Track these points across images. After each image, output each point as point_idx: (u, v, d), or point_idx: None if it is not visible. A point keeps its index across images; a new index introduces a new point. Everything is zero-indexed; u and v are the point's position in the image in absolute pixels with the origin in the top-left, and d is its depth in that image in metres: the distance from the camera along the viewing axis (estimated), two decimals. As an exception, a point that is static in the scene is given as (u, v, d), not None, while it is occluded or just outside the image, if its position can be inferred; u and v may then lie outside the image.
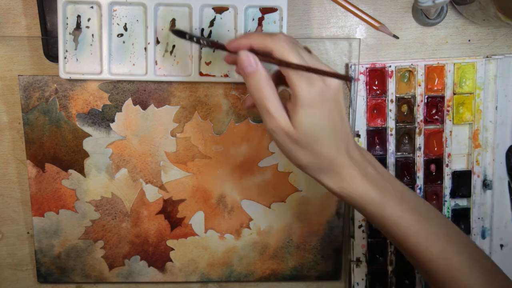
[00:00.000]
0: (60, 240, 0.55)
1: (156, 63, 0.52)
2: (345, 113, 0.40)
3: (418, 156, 0.55)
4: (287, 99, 0.39)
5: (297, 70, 0.37)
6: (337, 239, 0.56)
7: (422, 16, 0.53)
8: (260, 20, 0.51)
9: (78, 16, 0.51)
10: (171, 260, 0.56)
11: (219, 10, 0.51)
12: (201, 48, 0.51)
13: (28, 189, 0.55)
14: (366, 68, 0.54)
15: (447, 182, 0.55)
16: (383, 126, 0.55)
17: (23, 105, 0.53)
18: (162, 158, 0.54)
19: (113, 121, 0.53)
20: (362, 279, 0.56)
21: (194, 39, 0.41)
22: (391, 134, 0.55)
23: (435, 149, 0.55)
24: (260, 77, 0.38)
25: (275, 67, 0.40)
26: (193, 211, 0.55)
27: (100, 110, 0.53)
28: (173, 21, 0.51)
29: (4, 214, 0.56)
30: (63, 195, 0.54)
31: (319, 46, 0.54)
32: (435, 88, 0.54)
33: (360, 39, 0.54)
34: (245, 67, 0.39)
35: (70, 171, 0.54)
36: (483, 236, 0.57)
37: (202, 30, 0.51)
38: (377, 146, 0.55)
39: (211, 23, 0.51)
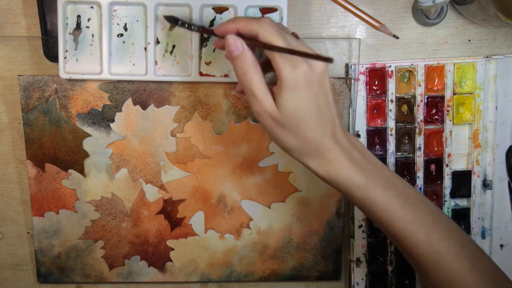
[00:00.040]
0: (60, 240, 0.55)
1: (156, 63, 0.52)
2: (332, 98, 0.41)
3: (418, 156, 0.55)
4: (275, 84, 0.40)
5: (281, 52, 0.38)
6: (337, 239, 0.56)
7: (422, 16, 0.53)
8: (260, 20, 0.51)
9: (78, 16, 0.51)
10: (171, 260, 0.56)
11: (219, 10, 0.51)
12: (201, 38, 0.51)
13: (28, 189, 0.55)
14: (366, 68, 0.54)
15: (447, 182, 0.55)
16: (383, 126, 0.55)
17: (23, 105, 0.53)
18: (162, 158, 0.54)
19: (113, 121, 0.53)
20: (362, 279, 0.56)
21: (186, 25, 0.44)
22: (391, 134, 0.55)
23: (435, 149, 0.55)
24: (246, 60, 0.39)
25: (265, 55, 0.41)
26: (193, 211, 0.55)
27: (100, 110, 0.53)
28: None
29: (4, 214, 0.56)
30: (63, 195, 0.54)
31: (319, 46, 0.54)
32: (435, 88, 0.54)
33: (360, 39, 0.54)
34: (232, 51, 0.40)
35: (70, 171, 0.54)
36: (483, 236, 0.57)
37: (200, 31, 0.51)
38: (377, 146, 0.55)
39: (211, 23, 0.51)
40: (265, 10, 0.51)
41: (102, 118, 0.53)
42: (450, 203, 0.56)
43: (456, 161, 0.56)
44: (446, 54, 0.55)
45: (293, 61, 0.38)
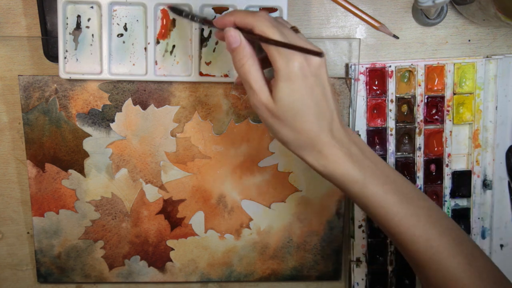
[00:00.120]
0: (60, 240, 0.55)
1: (156, 63, 0.52)
2: (330, 91, 0.41)
3: (418, 156, 0.55)
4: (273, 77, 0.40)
5: (273, 45, 0.38)
6: (337, 239, 0.56)
7: (422, 16, 0.53)
8: (260, 20, 0.51)
9: (78, 16, 0.51)
10: (171, 260, 0.56)
11: (219, 10, 0.51)
12: (201, 43, 0.51)
13: (28, 189, 0.55)
14: (366, 68, 0.54)
15: (447, 182, 0.55)
16: (383, 126, 0.55)
17: (23, 105, 0.53)
18: (162, 158, 0.54)
19: (113, 121, 0.53)
20: (362, 279, 0.56)
21: (190, 16, 0.46)
22: (391, 134, 0.55)
23: (435, 149, 0.55)
24: (244, 52, 0.40)
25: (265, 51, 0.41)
26: (193, 211, 0.55)
27: (100, 110, 0.53)
28: (173, 20, 0.51)
29: (4, 214, 0.56)
30: (63, 195, 0.54)
31: (319, 46, 0.54)
32: (435, 88, 0.54)
33: (360, 39, 0.54)
34: (230, 43, 0.40)
35: (70, 171, 0.54)
36: (483, 236, 0.57)
37: (202, 29, 0.51)
38: (377, 146, 0.55)
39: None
40: (265, 10, 0.51)
41: (102, 118, 0.53)
42: (450, 203, 0.56)
43: (456, 161, 0.56)
44: (446, 54, 0.55)
45: (289, 53, 0.38)
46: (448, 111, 0.54)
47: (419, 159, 0.55)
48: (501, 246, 0.57)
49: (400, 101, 0.54)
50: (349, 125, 0.54)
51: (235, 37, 0.40)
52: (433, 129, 0.55)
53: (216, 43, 0.51)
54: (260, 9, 0.51)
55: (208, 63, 0.52)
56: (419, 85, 0.54)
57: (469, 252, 0.41)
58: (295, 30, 0.41)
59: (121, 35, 0.51)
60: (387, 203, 0.41)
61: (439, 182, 0.55)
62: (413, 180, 0.55)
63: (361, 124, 0.54)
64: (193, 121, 0.54)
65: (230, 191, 0.55)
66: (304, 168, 0.55)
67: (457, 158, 0.56)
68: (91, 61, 0.51)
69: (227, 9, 0.51)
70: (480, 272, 0.41)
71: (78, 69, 0.51)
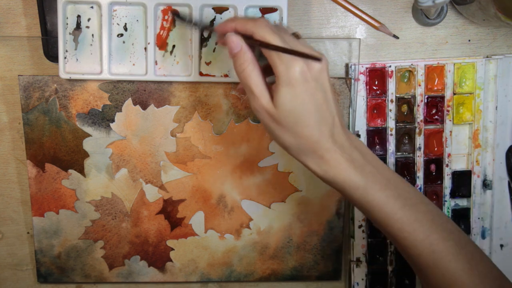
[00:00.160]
0: (60, 240, 0.55)
1: (156, 63, 0.52)
2: (331, 96, 0.40)
3: (418, 156, 0.55)
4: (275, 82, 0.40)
5: (274, 50, 0.38)
6: (337, 239, 0.56)
7: (422, 16, 0.53)
8: (260, 20, 0.51)
9: (78, 16, 0.51)
10: (171, 260, 0.56)
11: (219, 10, 0.51)
12: (201, 38, 0.51)
13: (28, 189, 0.55)
14: (366, 68, 0.54)
15: (447, 182, 0.55)
16: (383, 126, 0.55)
17: (23, 105, 0.53)
18: (162, 158, 0.54)
19: (113, 121, 0.53)
20: (362, 279, 0.56)
21: (192, 23, 0.48)
22: (391, 134, 0.55)
23: (435, 149, 0.55)
24: (245, 57, 0.40)
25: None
26: (193, 211, 0.55)
27: (100, 110, 0.53)
28: (173, 21, 0.51)
29: (4, 214, 0.56)
30: (63, 195, 0.54)
31: (319, 46, 0.54)
32: (435, 88, 0.54)
33: (360, 39, 0.54)
34: (231, 48, 0.40)
35: (70, 171, 0.54)
36: (483, 236, 0.57)
37: (202, 29, 0.51)
38: (377, 146, 0.55)
39: (211, 23, 0.51)
40: (265, 10, 0.51)
41: (102, 118, 0.53)
42: (450, 203, 0.56)
43: (456, 161, 0.56)
44: (446, 54, 0.55)
45: (289, 58, 0.38)
46: (448, 111, 0.54)
47: (419, 159, 0.55)
48: (501, 246, 0.57)
49: (400, 101, 0.54)
50: (349, 125, 0.54)
51: (236, 42, 0.40)
52: (433, 129, 0.55)
53: (216, 43, 0.51)
54: (260, 9, 0.51)
55: (208, 63, 0.52)
56: (419, 85, 0.54)
57: (471, 255, 0.41)
58: (296, 36, 0.41)
59: (121, 35, 0.51)
60: (389, 208, 0.41)
61: (439, 182, 0.55)
62: (413, 180, 0.55)
63: (361, 124, 0.54)
64: (193, 121, 0.54)
65: (230, 191, 0.55)
66: (304, 168, 0.54)
67: (457, 158, 0.56)
68: (91, 61, 0.51)
69: (227, 9, 0.51)
70: (482, 275, 0.41)
71: (78, 69, 0.51)
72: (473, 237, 0.56)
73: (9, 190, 0.56)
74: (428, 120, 0.55)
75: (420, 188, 0.55)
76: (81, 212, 0.55)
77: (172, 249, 0.56)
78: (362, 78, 0.54)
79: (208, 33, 0.51)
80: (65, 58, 0.51)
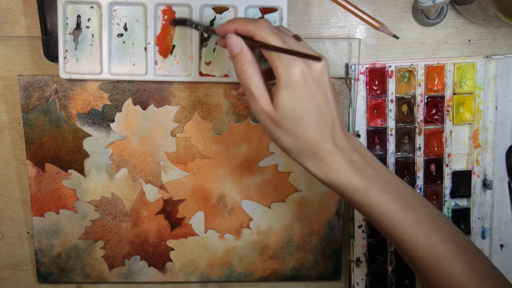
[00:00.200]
0: (60, 240, 0.55)
1: (156, 63, 0.52)
2: (332, 98, 0.40)
3: (418, 156, 0.55)
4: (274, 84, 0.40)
5: (274, 51, 0.38)
6: (337, 239, 0.56)
7: (422, 16, 0.53)
8: (260, 20, 0.51)
9: (78, 16, 0.51)
10: (171, 260, 0.56)
11: (219, 10, 0.51)
12: (201, 38, 0.51)
13: (28, 189, 0.55)
14: (366, 68, 0.54)
15: (447, 182, 0.55)
16: (383, 126, 0.55)
17: (23, 105, 0.53)
18: (162, 158, 0.54)
19: (113, 121, 0.53)
20: (362, 279, 0.56)
21: (193, 25, 0.48)
22: (391, 134, 0.55)
23: (435, 149, 0.55)
24: (245, 58, 0.40)
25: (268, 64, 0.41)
26: (193, 211, 0.55)
27: (100, 110, 0.53)
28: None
29: (4, 214, 0.56)
30: (63, 195, 0.54)
31: (319, 46, 0.54)
32: (435, 88, 0.54)
33: (360, 39, 0.54)
34: (232, 49, 0.40)
35: (70, 171, 0.54)
36: (483, 236, 0.57)
37: (203, 31, 0.51)
38: (377, 146, 0.55)
39: (211, 23, 0.51)
40: (265, 10, 0.51)
41: (102, 118, 0.53)
42: (450, 203, 0.56)
43: (456, 161, 0.56)
44: (446, 54, 0.55)
45: (290, 60, 0.38)
46: (448, 111, 0.54)
47: (419, 159, 0.55)
48: (501, 246, 0.57)
49: (400, 101, 0.54)
50: (349, 125, 0.54)
51: (237, 43, 0.40)
52: (433, 129, 0.55)
53: (216, 43, 0.51)
54: (260, 9, 0.51)
55: (208, 63, 0.52)
56: (419, 85, 0.54)
57: (472, 257, 0.41)
58: (297, 38, 0.41)
59: (121, 35, 0.51)
60: (390, 210, 0.41)
61: (439, 182, 0.55)
62: (413, 180, 0.55)
63: (361, 124, 0.54)
64: (193, 121, 0.54)
65: (230, 191, 0.55)
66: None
67: (457, 158, 0.56)
68: (91, 61, 0.51)
69: (227, 9, 0.51)
70: (482, 277, 0.41)
71: (78, 69, 0.51)
72: (473, 237, 0.56)
73: (9, 190, 0.56)
74: (428, 120, 0.55)
75: (420, 188, 0.55)
76: (81, 212, 0.55)
77: (172, 249, 0.56)
78: (362, 78, 0.54)
79: (210, 35, 0.51)
80: (65, 58, 0.51)
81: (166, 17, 0.51)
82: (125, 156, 0.54)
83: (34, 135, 0.53)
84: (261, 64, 0.41)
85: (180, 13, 0.51)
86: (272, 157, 0.55)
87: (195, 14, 0.50)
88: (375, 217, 0.42)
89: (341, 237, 0.56)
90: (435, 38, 0.55)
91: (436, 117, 0.55)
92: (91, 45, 0.51)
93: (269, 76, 0.41)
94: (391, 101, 0.54)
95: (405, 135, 0.55)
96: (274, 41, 0.38)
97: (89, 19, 0.51)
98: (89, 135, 0.54)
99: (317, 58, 0.37)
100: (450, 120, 0.55)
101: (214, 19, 0.51)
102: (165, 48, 0.51)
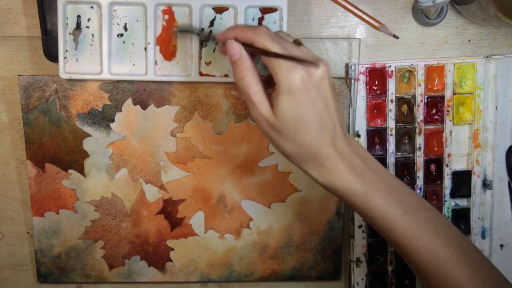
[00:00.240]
0: (60, 240, 0.55)
1: (156, 63, 0.52)
2: (333, 103, 0.40)
3: (418, 156, 0.55)
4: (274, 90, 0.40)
5: (273, 58, 0.38)
6: (337, 239, 0.56)
7: (422, 16, 0.53)
8: (260, 20, 0.51)
9: (78, 16, 0.51)
10: (171, 260, 0.56)
11: (219, 10, 0.51)
12: (201, 41, 0.51)
13: (28, 189, 0.55)
14: (366, 68, 0.54)
15: (447, 182, 0.55)
16: (383, 126, 0.55)
17: (23, 105, 0.53)
18: (162, 158, 0.54)
19: (113, 121, 0.53)
20: (362, 279, 0.56)
21: (196, 31, 0.49)
22: (391, 134, 0.55)
23: (435, 149, 0.55)
24: (244, 65, 0.40)
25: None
26: (193, 211, 0.55)
27: (100, 110, 0.53)
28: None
29: (4, 214, 0.56)
30: (63, 195, 0.54)
31: (319, 46, 0.54)
32: (435, 88, 0.54)
33: (360, 39, 0.54)
34: (231, 55, 0.40)
35: (70, 171, 0.54)
36: (483, 236, 0.57)
37: (202, 30, 0.51)
38: (377, 146, 0.55)
39: (211, 23, 0.51)
40: (265, 10, 0.51)
41: (102, 118, 0.53)
42: (450, 203, 0.56)
43: (456, 161, 0.56)
44: (446, 54, 0.55)
45: (290, 66, 0.38)
46: (448, 111, 0.54)
47: (419, 159, 0.55)
48: (501, 246, 0.57)
49: (400, 101, 0.54)
50: (349, 125, 0.54)
51: (236, 49, 0.40)
52: (433, 129, 0.55)
53: (216, 43, 0.51)
54: (260, 9, 0.51)
55: (208, 63, 0.52)
56: (419, 85, 0.54)
57: (472, 260, 0.41)
58: (298, 43, 0.41)
59: (121, 35, 0.51)
60: (391, 215, 0.41)
61: (439, 182, 0.55)
62: (413, 180, 0.55)
63: (361, 124, 0.54)
64: (193, 121, 0.54)
65: (230, 191, 0.55)
66: (304, 168, 0.55)
67: (457, 158, 0.56)
68: (91, 61, 0.51)
69: (227, 9, 0.51)
70: (484, 280, 0.41)
71: (78, 69, 0.51)
72: (473, 237, 0.56)
73: (9, 190, 0.56)
74: (428, 120, 0.55)
75: (420, 188, 0.55)
76: (81, 212, 0.55)
77: (172, 249, 0.56)
78: (362, 78, 0.54)
79: (211, 42, 0.51)
80: (65, 58, 0.51)
81: (166, 17, 0.51)
82: (125, 156, 0.54)
83: (34, 135, 0.53)
84: (261, 71, 0.41)
85: (180, 13, 0.51)
86: (272, 157, 0.55)
87: (195, 14, 0.50)
88: (376, 221, 0.42)
89: (341, 237, 0.56)
90: (435, 38, 0.55)
91: (436, 117, 0.55)
92: (91, 45, 0.51)
93: (269, 84, 0.41)
94: (391, 101, 0.54)
95: (405, 135, 0.55)
96: (274, 47, 0.38)
97: (89, 19, 0.51)
98: (89, 135, 0.54)
99: (316, 64, 0.37)
100: (450, 120, 0.55)
101: (214, 19, 0.51)
102: (170, 53, 0.51)
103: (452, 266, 0.40)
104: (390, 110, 0.54)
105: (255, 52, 0.40)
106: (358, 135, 0.55)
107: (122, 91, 0.53)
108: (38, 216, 0.55)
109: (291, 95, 0.38)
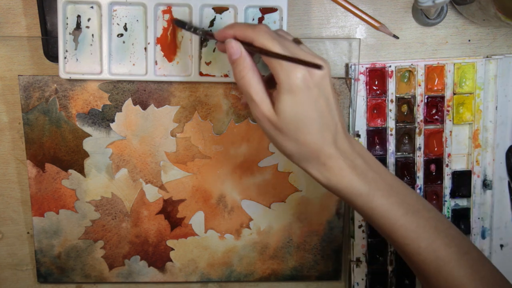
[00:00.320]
0: (60, 240, 0.55)
1: (156, 63, 0.52)
2: (334, 102, 0.40)
3: (418, 156, 0.55)
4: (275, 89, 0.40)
5: (273, 57, 0.38)
6: (337, 239, 0.56)
7: (422, 16, 0.53)
8: (260, 20, 0.51)
9: (78, 16, 0.51)
10: (171, 260, 0.56)
11: (219, 10, 0.51)
12: (201, 39, 0.51)
13: (28, 189, 0.55)
14: (366, 68, 0.54)
15: (447, 182, 0.55)
16: (383, 126, 0.55)
17: (23, 105, 0.53)
18: (162, 158, 0.54)
19: (113, 121, 0.53)
20: (362, 279, 0.56)
21: (192, 29, 0.47)
22: (391, 134, 0.55)
23: (435, 149, 0.55)
24: (244, 64, 0.40)
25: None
26: (193, 211, 0.55)
27: (100, 110, 0.53)
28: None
29: (4, 214, 0.56)
30: (63, 195, 0.54)
31: (319, 46, 0.54)
32: (435, 88, 0.54)
33: (360, 39, 0.54)
34: (231, 54, 0.40)
35: (70, 171, 0.54)
36: (483, 236, 0.57)
37: (202, 36, 0.51)
38: (377, 146, 0.55)
39: (211, 23, 0.51)
40: (265, 10, 0.51)
41: (102, 118, 0.53)
42: (450, 203, 0.56)
43: (456, 161, 0.56)
44: (446, 54, 0.55)
45: (291, 65, 0.38)
46: (448, 111, 0.54)
47: (419, 159, 0.55)
48: (501, 246, 0.57)
49: (400, 101, 0.54)
50: (349, 125, 0.54)
51: (236, 48, 0.40)
52: (433, 129, 0.55)
53: (216, 43, 0.51)
54: (260, 9, 0.51)
55: (208, 63, 0.52)
56: (419, 85, 0.54)
57: (473, 261, 0.41)
58: (297, 42, 0.41)
59: (121, 35, 0.51)
60: (392, 215, 0.41)
61: (439, 182, 0.55)
62: (413, 180, 0.55)
63: (361, 124, 0.54)
64: (193, 121, 0.54)
65: (230, 191, 0.55)
66: (304, 168, 0.55)
67: (457, 158, 0.56)
68: (91, 61, 0.51)
69: (227, 9, 0.51)
70: (484, 280, 0.41)
71: (78, 69, 0.51)
72: (473, 237, 0.56)
73: (9, 190, 0.56)
74: (428, 120, 0.55)
75: (420, 188, 0.55)
76: (81, 212, 0.55)
77: (172, 249, 0.56)
78: (362, 78, 0.54)
79: (209, 39, 0.51)
80: (65, 58, 0.51)
81: (166, 17, 0.51)
82: (125, 156, 0.54)
83: (34, 135, 0.53)
84: (262, 71, 0.41)
85: (180, 13, 0.51)
86: (272, 157, 0.55)
87: (195, 14, 0.50)
88: (377, 221, 0.42)
89: (341, 237, 0.56)
90: (435, 38, 0.55)
91: (436, 117, 0.55)
92: (91, 45, 0.51)
93: (270, 84, 0.41)
94: (391, 101, 0.54)
95: (405, 135, 0.55)
96: (274, 47, 0.38)
97: (89, 19, 0.51)
98: (89, 135, 0.54)
99: (318, 66, 0.37)
100: (450, 120, 0.55)
101: (214, 19, 0.51)
102: (170, 53, 0.51)
103: (453, 266, 0.40)
104: (390, 110, 0.54)
105: (255, 51, 0.39)
106: (358, 135, 0.55)
107: (122, 91, 0.53)
108: (38, 216, 0.55)
109: (292, 94, 0.38)
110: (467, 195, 0.56)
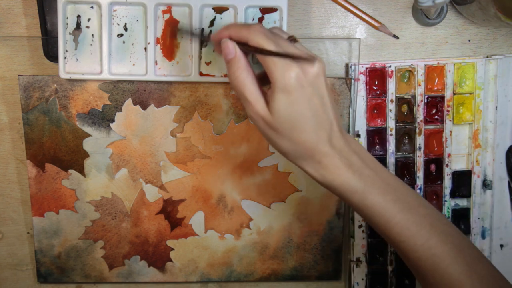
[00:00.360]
0: (60, 240, 0.55)
1: (156, 63, 0.52)
2: (329, 101, 0.40)
3: (418, 156, 0.55)
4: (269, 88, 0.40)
5: (268, 55, 0.38)
6: (337, 239, 0.56)
7: (422, 16, 0.53)
8: (260, 20, 0.51)
9: (78, 16, 0.51)
10: (171, 260, 0.56)
11: (219, 10, 0.51)
12: (201, 41, 0.51)
13: (28, 189, 0.55)
14: (366, 68, 0.54)
15: (447, 182, 0.55)
16: (383, 126, 0.55)
17: (23, 105, 0.53)
18: (162, 158, 0.54)
19: (113, 121, 0.53)
20: (362, 279, 0.56)
21: (190, 33, 0.50)
22: (391, 134, 0.55)
23: (435, 149, 0.55)
24: (238, 64, 0.40)
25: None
26: (193, 211, 0.55)
27: (100, 110, 0.53)
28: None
29: (4, 214, 0.56)
30: (63, 195, 0.54)
31: (319, 46, 0.54)
32: (435, 88, 0.54)
33: (360, 39, 0.54)
34: (225, 54, 0.40)
35: (70, 171, 0.54)
36: (483, 236, 0.57)
37: (202, 30, 0.51)
38: (377, 146, 0.55)
39: (211, 23, 0.51)
40: (265, 10, 0.51)
41: (102, 118, 0.53)
42: (450, 203, 0.56)
43: (456, 161, 0.56)
44: (446, 54, 0.55)
45: (285, 64, 0.38)
46: (448, 111, 0.54)
47: (419, 159, 0.55)
48: (501, 246, 0.57)
49: (400, 101, 0.54)
50: (349, 125, 0.54)
51: (231, 48, 0.40)
52: (433, 129, 0.55)
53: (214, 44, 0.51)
54: (260, 9, 0.51)
55: (208, 63, 0.52)
56: (419, 85, 0.54)
57: (470, 258, 0.41)
58: (293, 39, 0.41)
59: (121, 35, 0.51)
60: (388, 212, 0.41)
61: (439, 182, 0.55)
62: (413, 180, 0.55)
63: (361, 124, 0.54)
64: (193, 121, 0.54)
65: (230, 191, 0.55)
66: (304, 168, 0.55)
67: (457, 158, 0.56)
68: (91, 61, 0.51)
69: (227, 9, 0.51)
70: (481, 278, 0.41)
71: (78, 69, 0.51)
72: (473, 237, 0.56)
73: (9, 190, 0.56)
74: (428, 120, 0.55)
75: (420, 188, 0.55)
76: (81, 212, 0.55)
77: (172, 249, 0.56)
78: (362, 78, 0.54)
79: (206, 41, 0.51)
80: (65, 58, 0.51)
81: (166, 17, 0.51)
82: (125, 156, 0.54)
83: (34, 135, 0.53)
84: (255, 69, 0.41)
85: (180, 13, 0.51)
86: (272, 157, 0.55)
87: (195, 14, 0.50)
88: (373, 218, 0.42)
89: (341, 237, 0.56)
90: (435, 38, 0.55)
91: (436, 117, 0.55)
92: (91, 45, 0.51)
93: (264, 81, 0.41)
94: (391, 101, 0.54)
95: (405, 135, 0.55)
96: (268, 45, 0.38)
97: (89, 19, 0.51)
98: (89, 135, 0.54)
99: (311, 60, 0.37)
100: (450, 120, 0.55)
101: (214, 19, 0.51)
102: (170, 53, 0.51)
103: (449, 263, 0.40)
104: (390, 110, 0.54)
105: (249, 51, 0.40)
106: (358, 135, 0.55)
107: (122, 91, 0.53)
108: (38, 216, 0.55)
109: (286, 93, 0.38)
110: (467, 195, 0.56)
